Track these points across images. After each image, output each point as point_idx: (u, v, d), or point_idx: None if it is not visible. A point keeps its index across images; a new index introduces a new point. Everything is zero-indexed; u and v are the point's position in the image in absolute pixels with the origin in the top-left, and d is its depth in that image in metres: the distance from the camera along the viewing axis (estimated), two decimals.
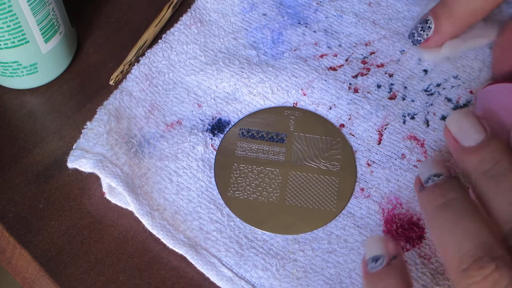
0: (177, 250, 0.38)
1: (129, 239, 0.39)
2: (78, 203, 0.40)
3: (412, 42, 0.45)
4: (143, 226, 0.38)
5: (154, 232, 0.38)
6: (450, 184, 0.33)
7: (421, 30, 0.44)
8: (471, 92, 0.44)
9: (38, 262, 0.38)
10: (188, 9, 0.47)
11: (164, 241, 0.38)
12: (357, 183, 0.40)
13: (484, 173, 0.33)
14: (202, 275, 0.38)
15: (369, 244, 0.34)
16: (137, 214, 0.38)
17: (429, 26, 0.44)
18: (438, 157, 0.37)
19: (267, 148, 0.42)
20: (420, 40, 0.44)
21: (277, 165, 0.41)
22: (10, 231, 0.39)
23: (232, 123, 0.43)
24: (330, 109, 0.43)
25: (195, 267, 0.38)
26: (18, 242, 0.39)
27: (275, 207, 0.40)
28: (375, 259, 0.33)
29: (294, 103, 0.44)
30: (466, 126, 0.34)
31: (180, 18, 0.47)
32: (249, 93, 0.44)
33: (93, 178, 0.41)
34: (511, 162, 0.33)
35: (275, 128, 0.43)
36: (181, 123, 0.43)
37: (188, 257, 0.37)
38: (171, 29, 0.46)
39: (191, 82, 0.44)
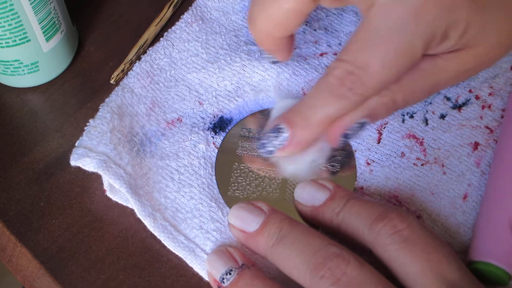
0: (177, 253, 0.38)
1: (130, 237, 0.39)
2: (79, 202, 0.40)
3: (263, 153, 0.38)
4: (143, 225, 0.38)
5: (155, 233, 0.38)
6: (245, 281, 0.35)
7: (274, 140, 0.38)
8: (470, 91, 0.44)
9: (39, 260, 0.38)
10: (189, 7, 0.47)
11: (165, 243, 0.38)
12: (356, 182, 0.41)
13: (273, 244, 0.35)
14: None
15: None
16: (139, 215, 0.38)
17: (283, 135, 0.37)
18: (222, 247, 0.37)
19: None
20: (273, 151, 0.38)
21: (277, 165, 0.41)
22: (10, 229, 0.39)
23: (234, 121, 0.43)
24: None
25: None
26: (19, 240, 0.39)
27: (274, 207, 0.40)
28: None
29: None
30: (245, 215, 0.37)
31: (181, 16, 0.47)
32: (251, 91, 0.44)
33: (94, 177, 0.41)
34: (291, 224, 0.36)
35: None
36: (181, 120, 0.43)
37: (188, 262, 0.38)
38: (173, 27, 0.46)
39: (192, 79, 0.45)
